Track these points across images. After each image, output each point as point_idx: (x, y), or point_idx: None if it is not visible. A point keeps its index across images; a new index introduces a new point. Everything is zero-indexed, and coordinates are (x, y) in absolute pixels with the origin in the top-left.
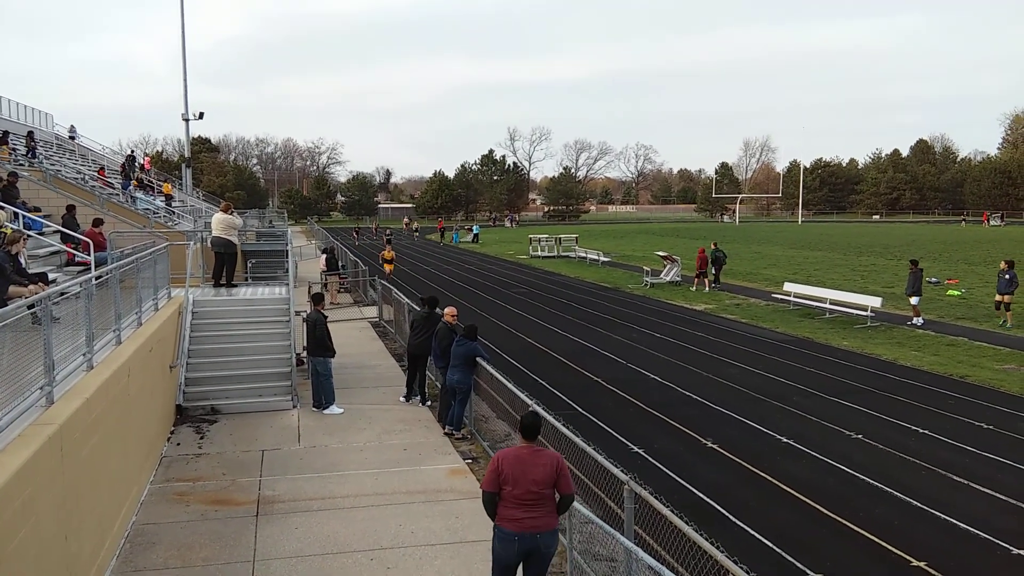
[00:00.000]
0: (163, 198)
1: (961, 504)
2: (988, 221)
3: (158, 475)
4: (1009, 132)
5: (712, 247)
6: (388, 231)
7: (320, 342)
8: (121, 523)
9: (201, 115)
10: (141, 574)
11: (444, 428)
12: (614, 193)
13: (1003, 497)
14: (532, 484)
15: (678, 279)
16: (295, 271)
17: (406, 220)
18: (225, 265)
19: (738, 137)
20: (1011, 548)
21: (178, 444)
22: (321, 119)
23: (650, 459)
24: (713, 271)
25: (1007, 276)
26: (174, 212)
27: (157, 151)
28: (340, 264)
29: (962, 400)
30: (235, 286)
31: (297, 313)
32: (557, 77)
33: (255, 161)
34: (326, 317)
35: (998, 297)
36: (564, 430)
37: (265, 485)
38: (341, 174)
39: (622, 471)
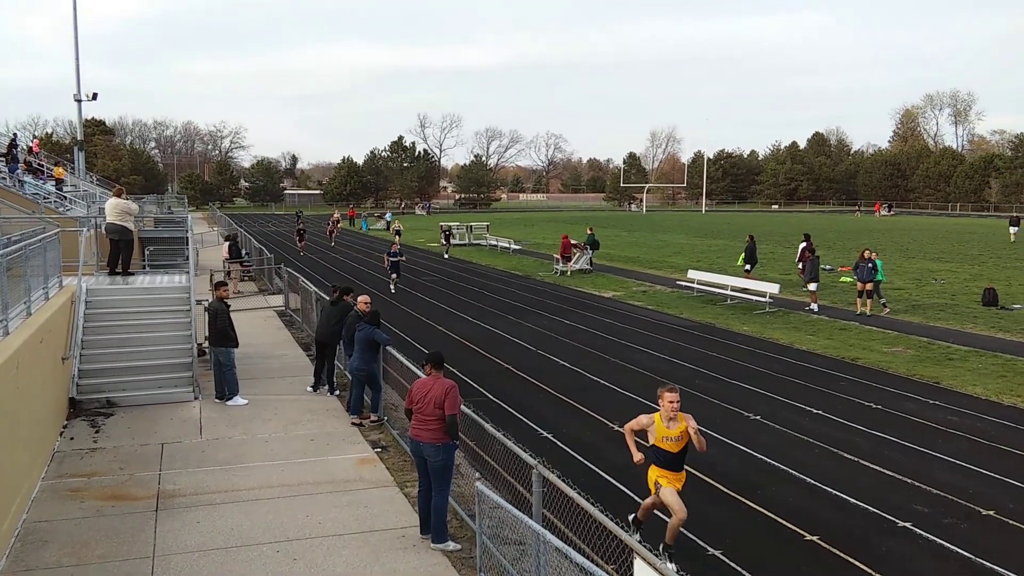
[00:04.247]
0: (54, 182)
1: (851, 480)
2: (879, 211)
3: (50, 471)
4: (899, 126)
5: (588, 232)
6: (396, 246)
7: (222, 332)
8: (11, 521)
9: (95, 96)
10: (33, 573)
11: (352, 417)
12: (525, 181)
13: (890, 473)
14: (429, 403)
15: (588, 267)
16: (196, 259)
17: (336, 216)
18: (121, 252)
19: (645, 128)
20: (897, 521)
21: (72, 439)
22: (223, 102)
23: (558, 443)
24: (589, 252)
25: (869, 265)
26: (66, 197)
27: (47, 133)
28: (244, 252)
29: (853, 381)
30: (132, 274)
31: (198, 302)
32: (467, 65)
33: (153, 145)
34: (229, 306)
35: (859, 285)
36: (474, 416)
37: (165, 479)
38: (245, 159)
39: (531, 455)
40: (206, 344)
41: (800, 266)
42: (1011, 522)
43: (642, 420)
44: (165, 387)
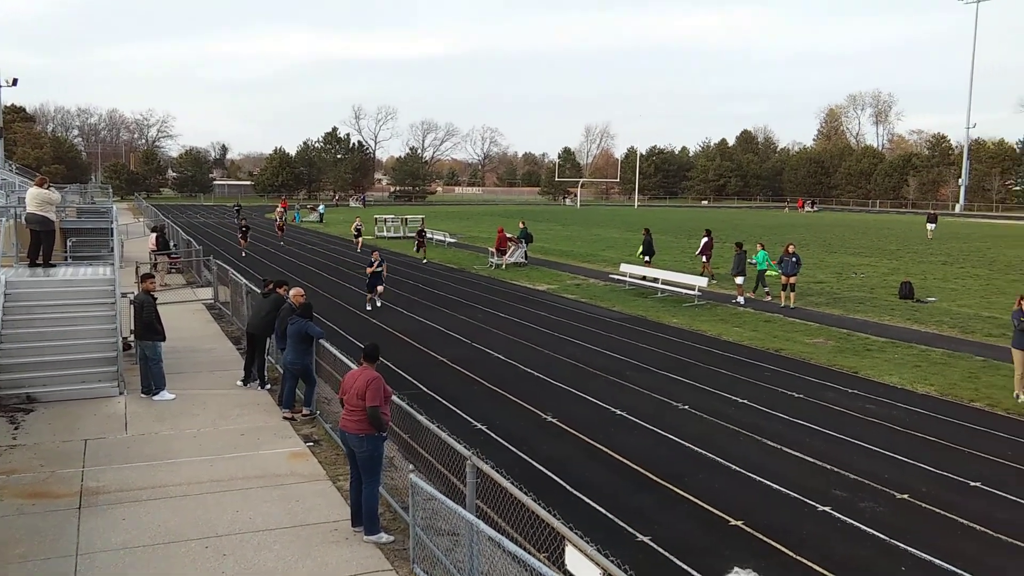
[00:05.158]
0: None
1: (774, 467)
2: (803, 207)
3: None
4: (823, 125)
5: (520, 226)
6: (376, 255)
7: (148, 325)
8: None
9: (15, 81)
10: None
11: (284, 412)
12: (461, 175)
13: (811, 459)
14: (354, 395)
15: (523, 260)
16: (121, 250)
17: (280, 209)
18: (42, 243)
19: (580, 123)
20: (817, 505)
21: None
22: (150, 89)
23: (492, 435)
24: (524, 246)
25: (793, 259)
26: None
27: None
28: (172, 244)
29: (777, 372)
30: (53, 266)
31: (124, 295)
32: (403, 57)
33: (76, 133)
34: (155, 299)
35: (784, 279)
36: (408, 408)
37: (88, 476)
38: (172, 148)
39: (465, 447)
40: (132, 338)
41: (703, 259)
42: (924, 505)
43: None
44: (88, 382)
